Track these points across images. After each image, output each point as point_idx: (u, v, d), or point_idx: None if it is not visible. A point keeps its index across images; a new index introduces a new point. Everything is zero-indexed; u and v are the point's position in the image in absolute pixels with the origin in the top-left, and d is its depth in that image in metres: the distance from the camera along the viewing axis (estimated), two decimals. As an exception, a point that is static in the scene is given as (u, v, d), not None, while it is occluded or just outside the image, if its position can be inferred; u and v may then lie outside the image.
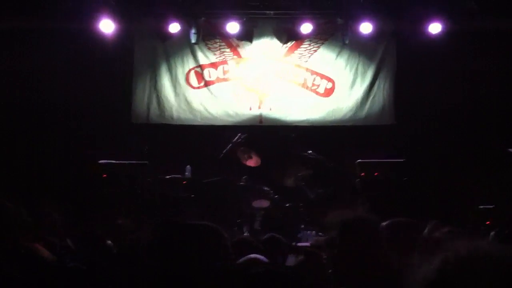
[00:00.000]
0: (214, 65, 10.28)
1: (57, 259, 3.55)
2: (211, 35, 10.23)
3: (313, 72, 10.28)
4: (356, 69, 10.28)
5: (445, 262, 1.18)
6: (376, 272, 2.37)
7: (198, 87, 10.26)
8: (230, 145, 9.13)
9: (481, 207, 7.55)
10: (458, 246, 1.20)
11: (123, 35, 9.79)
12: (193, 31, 9.88)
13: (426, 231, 4.33)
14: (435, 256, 1.21)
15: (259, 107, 10.18)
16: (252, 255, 3.36)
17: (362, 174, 8.88)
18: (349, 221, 2.50)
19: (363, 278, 2.37)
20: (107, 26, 9.48)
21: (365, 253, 2.40)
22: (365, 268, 2.38)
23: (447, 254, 1.19)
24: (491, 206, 7.43)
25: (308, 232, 8.70)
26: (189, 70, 10.27)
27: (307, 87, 10.26)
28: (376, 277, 2.36)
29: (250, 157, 9.22)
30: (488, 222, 7.20)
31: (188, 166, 9.15)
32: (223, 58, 10.29)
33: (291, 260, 5.89)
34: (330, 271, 3.70)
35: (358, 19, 9.70)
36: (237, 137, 9.22)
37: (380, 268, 2.40)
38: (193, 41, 9.95)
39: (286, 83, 10.26)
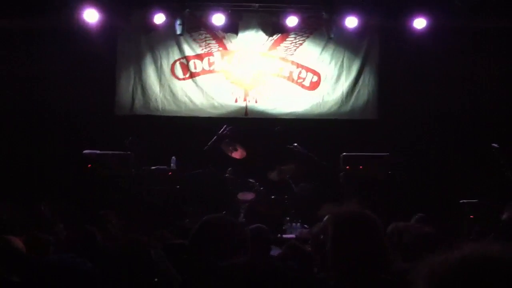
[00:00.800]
0: (199, 56, 10.24)
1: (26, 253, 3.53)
2: (197, 27, 10.19)
3: (299, 65, 10.29)
4: (342, 64, 10.32)
5: (457, 262, 1.15)
6: (375, 268, 2.27)
7: (184, 79, 10.22)
8: (215, 137, 9.11)
9: (464, 201, 7.63)
10: (468, 247, 1.18)
11: (107, 27, 9.72)
12: (178, 22, 9.83)
13: (412, 223, 4.38)
14: (442, 255, 1.19)
15: (245, 100, 10.18)
16: (257, 225, 3.35)
17: (347, 167, 8.92)
18: (348, 215, 2.38)
19: (362, 275, 2.27)
20: (91, 16, 9.42)
21: (365, 249, 2.29)
22: (364, 265, 2.28)
23: (458, 254, 1.17)
24: (475, 201, 7.51)
25: (293, 224, 8.74)
26: (174, 62, 10.23)
27: (292, 80, 10.28)
28: (375, 274, 2.27)
29: (235, 149, 9.22)
30: (471, 216, 7.28)
31: (173, 157, 9.13)
32: (209, 50, 10.25)
33: (275, 252, 5.91)
34: (316, 270, 3.68)
35: (343, 13, 9.74)
36: (222, 129, 9.21)
37: (380, 264, 2.30)
38: (178, 32, 9.90)
39: (271, 76, 10.27)
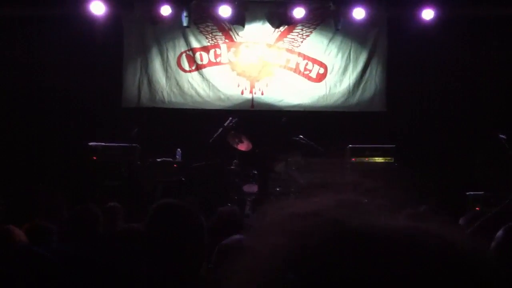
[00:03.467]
0: (205, 48, 10.21)
1: (28, 243, 3.50)
2: (203, 19, 10.16)
3: (305, 57, 10.24)
4: (349, 55, 10.26)
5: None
6: None
7: (190, 71, 10.20)
8: (221, 129, 9.09)
9: (471, 193, 7.59)
10: None
11: (114, 19, 9.73)
12: (184, 14, 9.82)
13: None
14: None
15: (251, 92, 10.15)
16: (237, 236, 3.28)
17: (353, 159, 8.89)
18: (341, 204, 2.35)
19: None
20: (97, 8, 9.43)
21: None
22: None
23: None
24: (481, 193, 7.46)
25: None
26: (181, 54, 10.20)
27: (299, 72, 10.24)
28: None
29: (241, 142, 9.19)
30: (477, 208, 7.24)
31: (178, 149, 9.12)
32: (215, 42, 10.22)
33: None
34: None
35: (350, 4, 9.69)
36: (228, 121, 9.18)
37: None
38: (184, 24, 9.89)
39: (278, 68, 10.23)
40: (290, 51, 10.25)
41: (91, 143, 8.67)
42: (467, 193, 7.63)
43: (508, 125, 8.81)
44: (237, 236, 3.27)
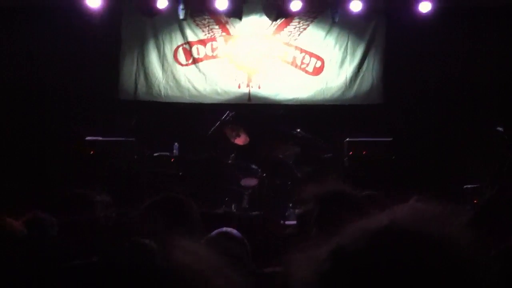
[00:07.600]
0: (202, 42, 10.17)
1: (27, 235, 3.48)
2: (200, 11, 10.11)
3: (302, 51, 10.21)
4: (346, 48, 10.22)
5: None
6: None
7: (186, 64, 10.16)
8: (218, 123, 9.08)
9: (468, 186, 7.58)
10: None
11: (110, 11, 9.67)
12: (181, 6, 9.78)
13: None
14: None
15: (248, 85, 10.12)
16: (224, 229, 3.26)
17: (350, 152, 8.88)
18: (328, 194, 2.35)
19: None
20: (94, 1, 9.38)
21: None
22: None
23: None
24: (477, 185, 7.46)
25: (296, 210, 8.70)
26: (177, 47, 10.16)
27: (296, 66, 10.20)
28: None
29: (238, 135, 9.18)
30: (475, 201, 7.24)
31: (176, 143, 9.11)
32: (212, 35, 10.18)
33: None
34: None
35: (348, -4, 9.65)
36: (225, 115, 9.17)
37: None
38: (181, 17, 9.85)
39: (275, 61, 10.19)
40: (287, 44, 10.22)
41: (88, 138, 8.65)
42: (465, 187, 7.63)
43: (507, 118, 8.81)
44: (223, 229, 3.25)
